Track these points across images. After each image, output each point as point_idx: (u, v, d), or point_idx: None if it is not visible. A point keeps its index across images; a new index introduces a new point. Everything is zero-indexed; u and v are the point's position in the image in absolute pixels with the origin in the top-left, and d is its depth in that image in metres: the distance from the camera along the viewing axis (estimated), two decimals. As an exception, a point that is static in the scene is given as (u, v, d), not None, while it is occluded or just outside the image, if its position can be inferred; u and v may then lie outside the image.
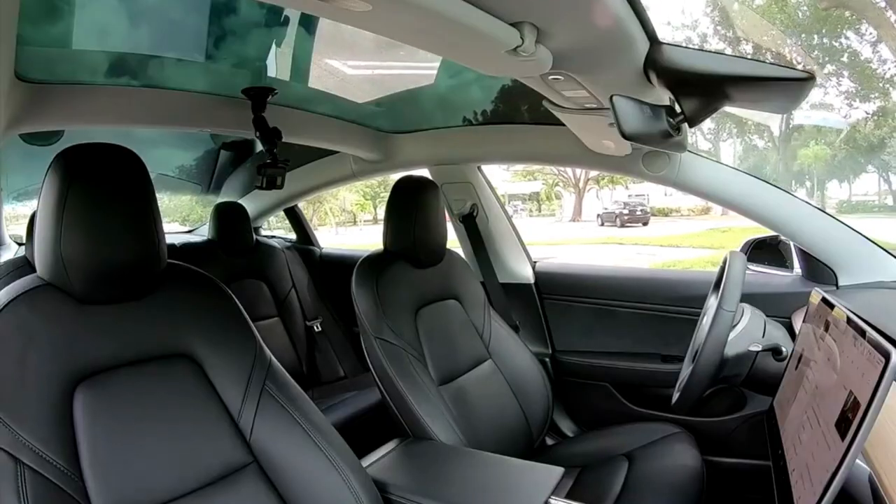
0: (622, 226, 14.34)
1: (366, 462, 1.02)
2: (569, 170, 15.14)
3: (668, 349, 1.50)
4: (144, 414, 0.72)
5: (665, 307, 1.51)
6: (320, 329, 2.07)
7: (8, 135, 1.07)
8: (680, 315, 1.48)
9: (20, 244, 2.29)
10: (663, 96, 0.84)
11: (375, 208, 18.08)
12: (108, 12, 0.96)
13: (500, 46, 0.62)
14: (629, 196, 17.40)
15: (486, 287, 1.66)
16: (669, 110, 0.77)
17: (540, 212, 19.21)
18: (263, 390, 0.82)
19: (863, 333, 0.58)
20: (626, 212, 15.00)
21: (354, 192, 16.54)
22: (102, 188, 0.71)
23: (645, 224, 14.52)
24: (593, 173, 15.11)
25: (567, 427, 1.60)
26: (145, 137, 1.72)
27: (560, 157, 1.51)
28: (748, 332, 1.00)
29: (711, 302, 1.09)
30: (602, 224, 15.09)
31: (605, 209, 15.85)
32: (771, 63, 0.68)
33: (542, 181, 18.30)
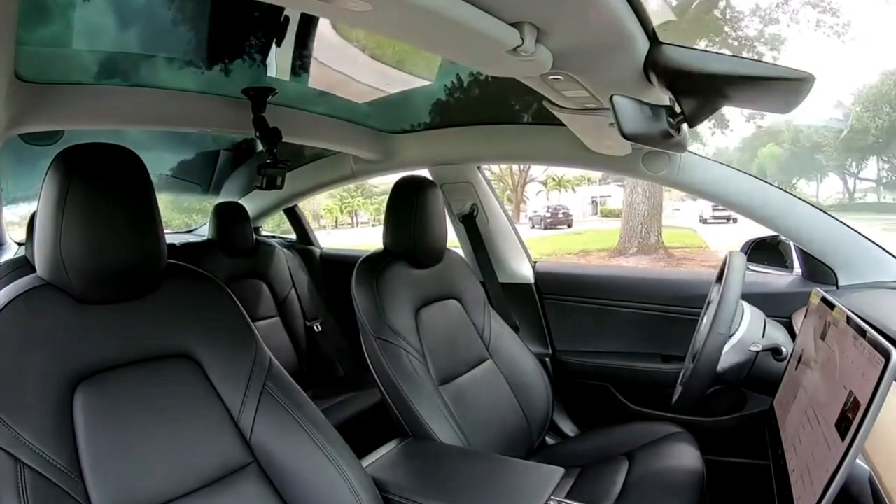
0: (546, 228, 15.72)
1: (366, 462, 1.02)
2: (507, 174, 15.79)
3: (668, 349, 1.50)
4: (144, 414, 0.72)
5: (665, 307, 1.51)
6: (320, 329, 2.07)
7: (8, 134, 1.07)
8: (680, 315, 1.48)
9: (20, 244, 2.29)
10: (663, 96, 0.84)
11: (342, 211, 18.41)
12: (108, 13, 0.96)
13: (500, 46, 0.62)
14: (592, 198, 19.81)
15: (486, 287, 1.66)
16: (669, 110, 0.77)
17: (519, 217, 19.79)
18: (263, 390, 0.82)
19: (863, 333, 0.58)
20: (548, 215, 16.61)
21: (327, 195, 16.79)
22: (102, 188, 0.71)
23: (569, 226, 16.22)
24: (532, 174, 15.82)
25: (567, 427, 1.60)
26: (134, 140, 1.72)
27: (560, 157, 1.51)
28: (748, 332, 1.00)
29: (714, 296, 1.09)
30: (533, 227, 16.31)
31: (535, 212, 17.36)
32: (771, 63, 0.68)
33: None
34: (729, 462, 1.35)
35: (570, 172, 17.35)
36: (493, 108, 1.45)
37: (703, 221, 17.32)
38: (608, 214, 18.57)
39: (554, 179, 17.87)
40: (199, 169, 2.22)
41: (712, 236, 12.79)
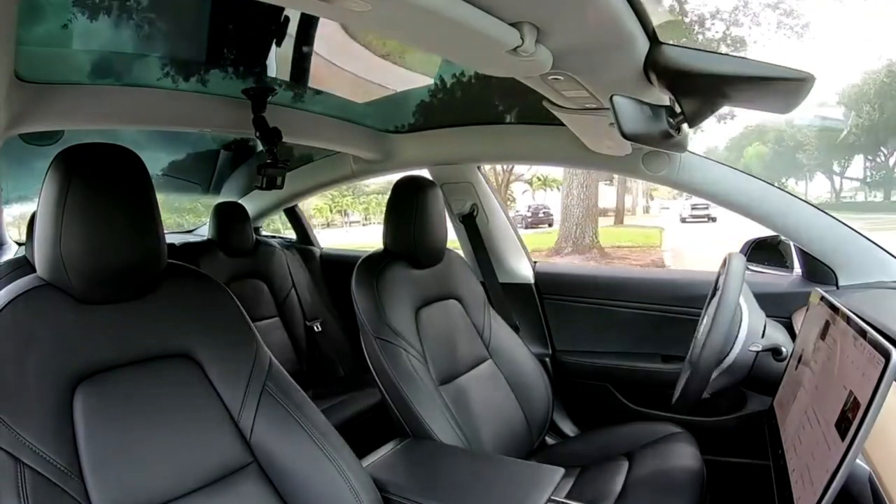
0: (527, 227, 16.31)
1: (366, 462, 1.02)
2: (490, 173, 16.30)
3: (668, 349, 1.50)
4: (145, 414, 0.72)
5: (665, 307, 1.51)
6: (320, 329, 2.07)
7: (8, 134, 1.07)
8: (680, 315, 1.48)
9: (20, 244, 2.29)
10: (663, 96, 0.84)
11: (332, 210, 18.76)
12: (109, 13, 0.96)
13: (500, 46, 0.62)
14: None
15: (486, 287, 1.66)
16: (669, 110, 0.77)
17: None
18: (263, 390, 0.82)
19: (863, 333, 0.58)
20: (529, 214, 17.33)
21: (318, 195, 17.16)
22: (102, 188, 0.71)
23: (550, 225, 16.54)
24: (518, 173, 16.39)
25: (567, 427, 1.60)
26: (127, 140, 1.72)
27: (560, 157, 1.51)
28: (748, 332, 1.00)
29: (713, 301, 1.09)
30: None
31: (517, 212, 18.05)
32: (771, 63, 0.68)
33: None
34: (729, 462, 1.35)
35: (556, 171, 17.59)
36: (488, 107, 1.45)
37: (683, 220, 17.66)
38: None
39: (539, 178, 18.19)
40: (193, 168, 2.20)
41: (680, 236, 12.99)
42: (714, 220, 16.83)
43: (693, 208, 17.81)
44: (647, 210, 23.70)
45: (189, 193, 2.55)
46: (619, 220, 16.13)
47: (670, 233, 13.79)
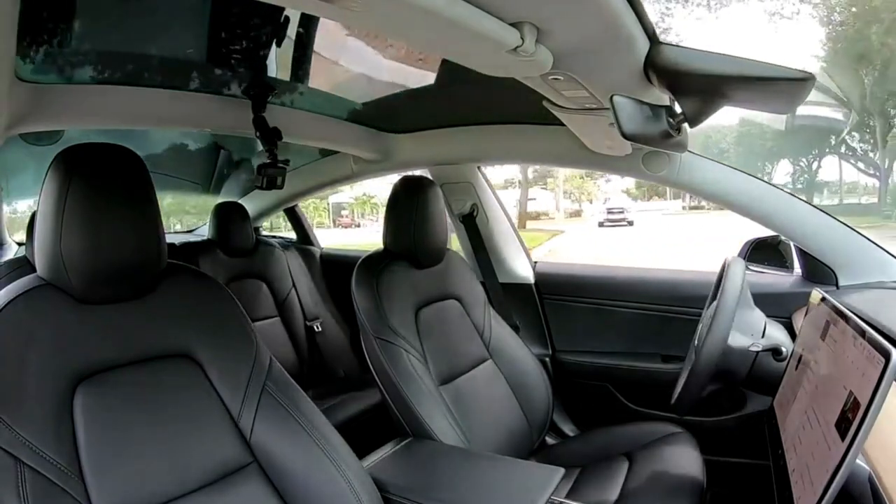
0: None
1: (366, 462, 1.02)
2: None
3: (668, 349, 1.50)
4: (145, 414, 0.72)
5: (665, 307, 1.52)
6: (320, 329, 2.07)
7: (8, 134, 1.07)
8: (680, 315, 1.48)
9: (20, 244, 2.29)
10: (663, 96, 0.84)
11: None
12: (109, 11, 0.96)
13: (500, 46, 0.62)
14: (518, 201, 20.95)
15: (486, 287, 1.66)
16: (669, 110, 0.77)
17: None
18: (263, 390, 0.82)
19: (863, 333, 0.58)
20: None
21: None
22: (103, 188, 0.71)
23: None
24: None
25: (567, 427, 1.60)
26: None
27: (560, 157, 1.51)
28: (748, 332, 1.00)
29: (712, 303, 1.09)
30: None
31: None
32: (771, 63, 0.68)
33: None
34: (729, 462, 1.35)
35: (495, 174, 17.63)
36: (488, 107, 1.45)
37: (601, 225, 17.70)
38: (535, 217, 19.78)
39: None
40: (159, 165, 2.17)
41: (579, 239, 13.38)
42: (631, 223, 16.98)
43: (609, 212, 17.95)
44: (577, 214, 24.13)
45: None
46: (521, 224, 16.30)
47: (574, 236, 14.18)
